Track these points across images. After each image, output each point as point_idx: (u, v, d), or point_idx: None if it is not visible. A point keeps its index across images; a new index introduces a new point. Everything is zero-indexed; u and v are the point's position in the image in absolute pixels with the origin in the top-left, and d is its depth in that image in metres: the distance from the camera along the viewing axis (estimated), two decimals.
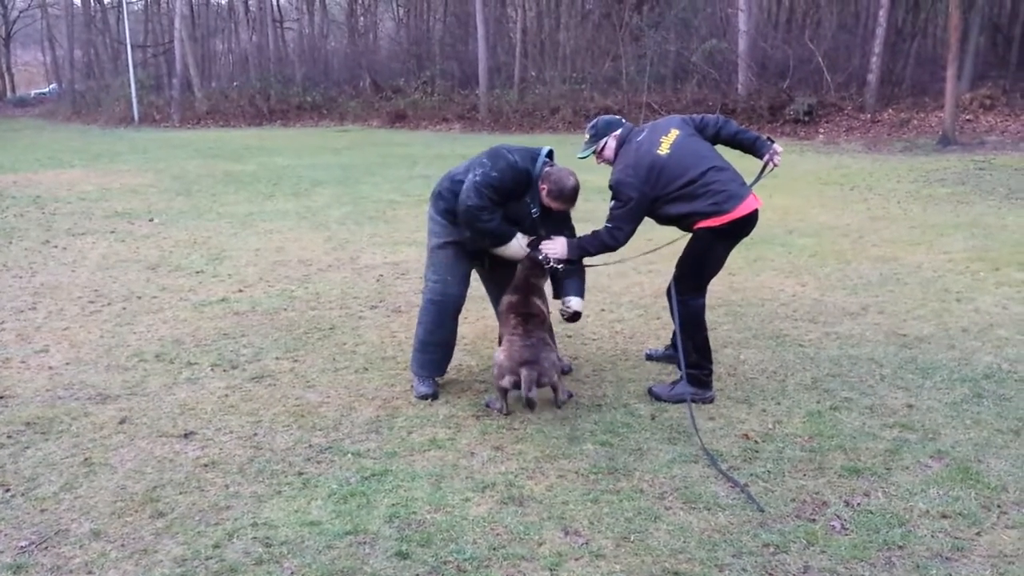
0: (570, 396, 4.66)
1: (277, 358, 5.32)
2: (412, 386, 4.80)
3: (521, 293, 4.64)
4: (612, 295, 6.74)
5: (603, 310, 6.36)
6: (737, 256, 8.00)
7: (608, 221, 4.54)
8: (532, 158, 4.59)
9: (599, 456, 3.94)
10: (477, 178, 4.43)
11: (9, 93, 46.23)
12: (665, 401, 4.58)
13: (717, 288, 6.85)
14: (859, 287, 6.90)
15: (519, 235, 4.61)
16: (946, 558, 3.08)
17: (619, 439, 4.11)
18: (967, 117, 20.19)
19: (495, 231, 4.50)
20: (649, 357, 5.31)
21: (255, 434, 4.22)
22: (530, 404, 4.29)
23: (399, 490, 3.62)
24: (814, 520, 3.36)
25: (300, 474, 3.79)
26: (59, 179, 14.37)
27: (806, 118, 21.81)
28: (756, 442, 4.06)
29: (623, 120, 4.84)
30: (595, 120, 4.88)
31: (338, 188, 13.10)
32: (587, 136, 4.79)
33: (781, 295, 6.70)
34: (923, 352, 5.31)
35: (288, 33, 41.88)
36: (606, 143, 4.74)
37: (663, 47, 26.30)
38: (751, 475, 3.73)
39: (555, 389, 4.49)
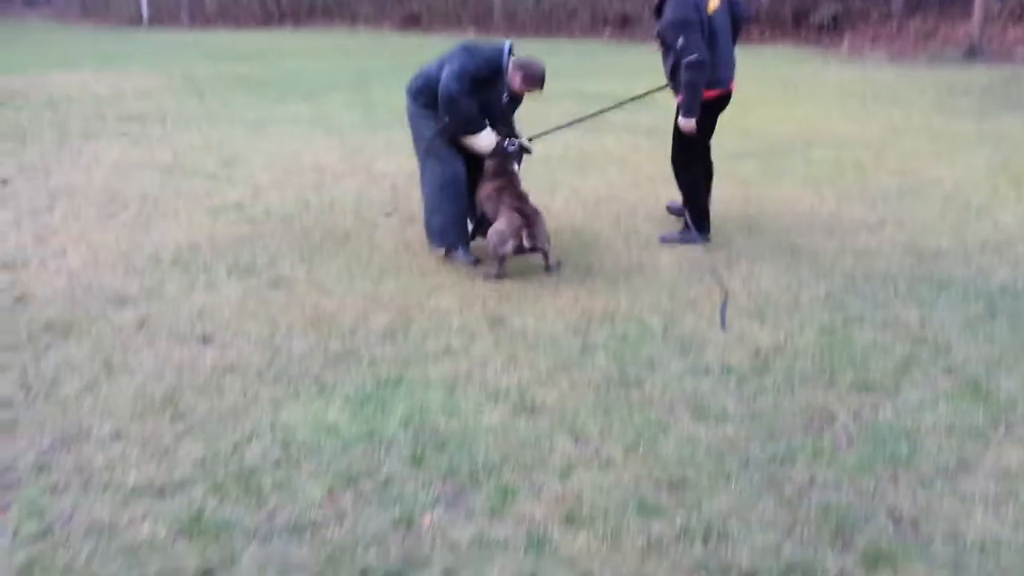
0: (559, 264, 5.31)
1: (292, 265, 5.35)
2: (454, 260, 5.43)
3: (504, 176, 5.30)
4: (628, 206, 6.70)
5: (618, 220, 6.32)
6: (754, 167, 7.92)
7: (684, 55, 5.21)
8: (499, 51, 5.23)
9: (610, 367, 3.98)
10: (455, 68, 5.06)
11: None
12: (676, 244, 5.69)
13: (732, 200, 6.80)
14: (877, 200, 6.83)
15: (490, 131, 5.28)
16: (951, 474, 3.13)
17: (631, 350, 4.15)
18: (996, 29, 19.62)
19: (472, 117, 5.17)
20: (669, 209, 6.26)
21: (272, 339, 4.27)
22: (546, 256, 5.20)
23: (414, 397, 3.69)
24: (821, 433, 3.41)
25: (317, 379, 3.85)
26: (71, 81, 14.22)
27: (831, 26, 21.23)
28: (767, 355, 4.09)
29: None
30: None
31: (351, 93, 12.93)
32: None
33: (798, 207, 6.65)
34: (939, 267, 5.29)
35: None
36: None
37: None
38: (760, 388, 3.77)
39: (546, 255, 5.22)
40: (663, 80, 5.66)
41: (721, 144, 8.87)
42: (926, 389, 3.76)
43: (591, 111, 6.75)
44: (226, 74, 15.26)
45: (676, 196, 6.09)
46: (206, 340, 4.26)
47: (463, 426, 3.45)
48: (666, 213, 6.27)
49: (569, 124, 6.62)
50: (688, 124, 5.47)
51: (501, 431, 3.42)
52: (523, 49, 5.60)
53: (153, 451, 3.27)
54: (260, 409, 3.59)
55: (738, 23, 5.65)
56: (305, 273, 5.21)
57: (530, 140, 5.65)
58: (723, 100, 5.61)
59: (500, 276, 5.15)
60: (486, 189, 5.33)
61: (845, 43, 20.41)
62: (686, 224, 5.78)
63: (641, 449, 3.29)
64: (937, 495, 3.01)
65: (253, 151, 8.69)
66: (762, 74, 15.09)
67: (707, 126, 5.62)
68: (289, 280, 5.09)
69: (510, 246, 5.05)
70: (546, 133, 6.12)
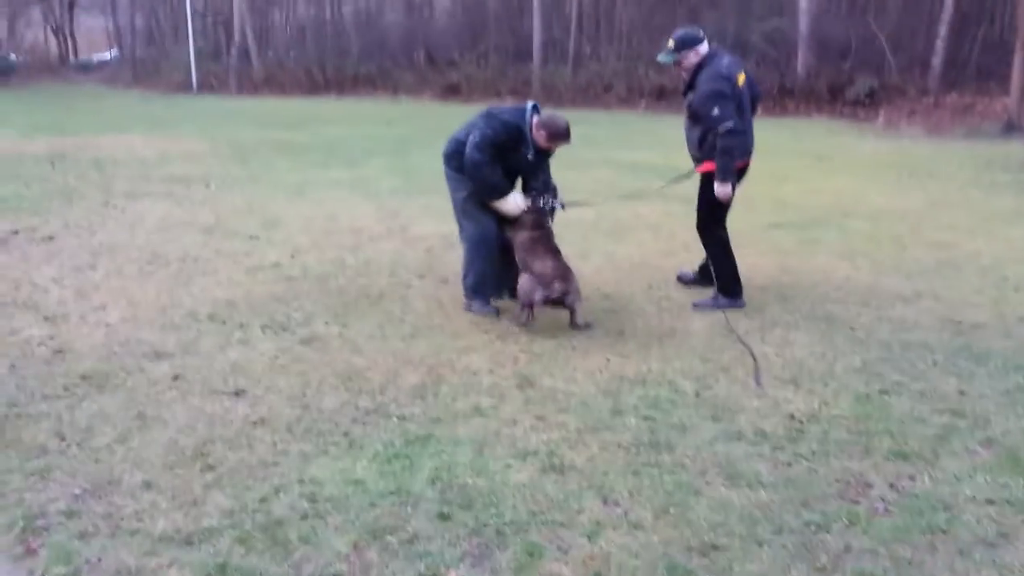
0: (588, 325, 5.36)
1: (326, 323, 5.40)
2: (475, 312, 5.62)
3: (540, 230, 5.46)
4: (662, 272, 6.70)
5: (650, 287, 6.33)
6: (790, 237, 7.91)
7: (719, 124, 5.39)
8: (520, 113, 5.44)
9: (641, 430, 3.95)
10: (476, 138, 5.30)
11: (72, 58, 47.00)
12: (711, 308, 5.72)
13: (767, 269, 6.79)
14: (914, 272, 6.77)
15: (515, 193, 5.49)
16: (990, 544, 3.05)
17: (662, 414, 4.12)
18: None
19: (496, 184, 5.39)
20: (680, 279, 6.32)
21: (303, 394, 4.30)
22: (573, 313, 5.29)
23: (442, 454, 3.68)
24: (857, 501, 3.34)
25: (346, 435, 3.85)
26: (118, 143, 14.66)
27: (867, 100, 21.33)
28: (802, 422, 4.04)
29: (702, 35, 5.65)
30: (681, 32, 5.68)
31: (390, 159, 13.19)
32: (670, 45, 5.59)
33: (834, 278, 6.61)
34: (977, 340, 5.21)
35: (345, 6, 41.98)
36: (687, 56, 5.58)
37: (721, 25, 25.87)
38: (795, 454, 3.72)
39: (573, 311, 5.31)
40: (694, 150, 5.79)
41: (757, 214, 8.93)
42: (965, 460, 3.68)
43: (624, 180, 6.84)
44: (270, 140, 15.64)
45: (693, 264, 6.39)
46: (238, 394, 4.30)
47: (491, 484, 3.43)
48: (696, 279, 6.26)
49: (605, 201, 6.83)
50: (725, 190, 5.54)
51: (529, 490, 3.39)
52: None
53: (182, 501, 3.29)
54: (289, 463, 3.60)
55: (755, 99, 5.89)
56: (338, 331, 5.25)
57: (556, 203, 5.72)
58: (745, 170, 5.81)
59: (525, 323, 5.34)
60: (520, 237, 5.47)
61: (881, 117, 20.49)
62: (716, 289, 5.87)
63: (672, 512, 3.24)
64: (976, 566, 2.92)
65: (293, 214, 8.85)
66: (798, 146, 15.17)
67: (733, 194, 5.72)
68: (322, 337, 5.14)
69: (539, 295, 5.20)
70: (580, 204, 6.21)
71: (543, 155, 5.58)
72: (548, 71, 28.15)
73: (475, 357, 4.85)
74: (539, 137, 5.41)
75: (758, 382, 4.54)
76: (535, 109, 5.48)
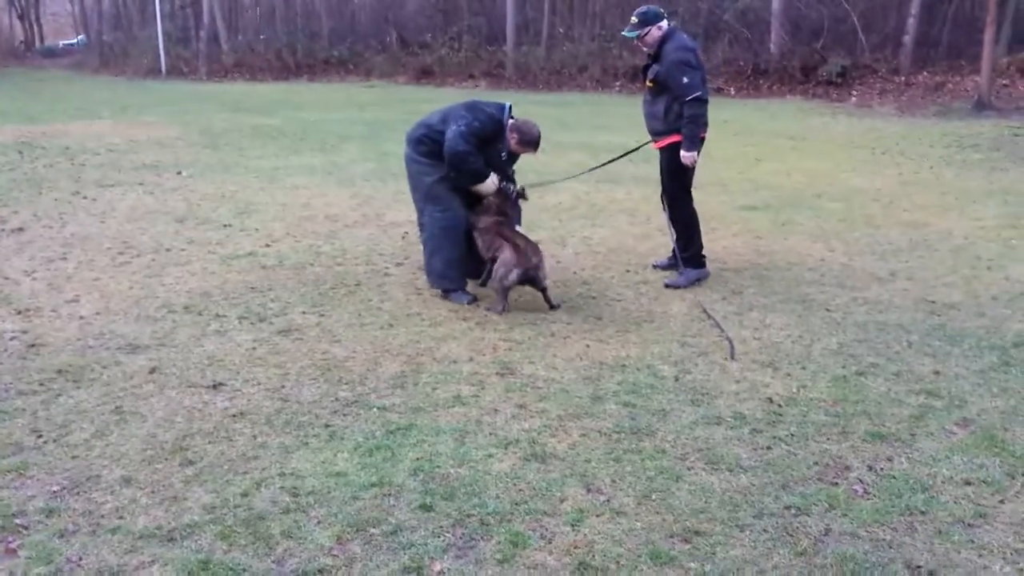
0: (557, 306, 5.46)
1: (304, 312, 5.38)
2: (451, 300, 5.60)
3: (503, 215, 5.54)
4: (638, 256, 6.72)
5: (628, 271, 6.35)
6: (765, 219, 7.95)
7: (690, 92, 5.57)
8: (500, 109, 5.52)
9: (622, 416, 3.96)
10: (462, 128, 5.31)
11: (38, 43, 46.21)
12: (683, 287, 5.86)
13: (743, 251, 6.83)
14: (888, 253, 6.84)
15: (493, 175, 5.50)
16: (968, 524, 3.09)
17: (642, 400, 4.13)
18: (1004, 82, 19.75)
19: (479, 171, 5.42)
20: (656, 267, 6.39)
21: (282, 386, 4.28)
22: (546, 291, 5.38)
23: (423, 444, 3.67)
24: (836, 484, 3.38)
25: (327, 426, 3.84)
26: (88, 130, 14.45)
27: (839, 80, 21.42)
28: (780, 405, 4.07)
29: (664, 13, 5.84)
30: (644, 8, 5.83)
31: (364, 144, 13.11)
32: (634, 20, 5.78)
33: (808, 259, 6.66)
34: (952, 319, 5.27)
35: None
36: (650, 31, 5.77)
37: (694, 5, 25.84)
38: (774, 437, 3.75)
39: (545, 290, 5.41)
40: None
41: (731, 196, 8.96)
42: (941, 440, 3.73)
43: (599, 163, 6.90)
44: (242, 125, 15.48)
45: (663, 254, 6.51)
46: (216, 387, 4.27)
47: (473, 474, 3.43)
48: (672, 262, 6.29)
49: (563, 179, 6.97)
50: (692, 156, 5.71)
51: (511, 479, 3.39)
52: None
53: (162, 497, 3.26)
54: (270, 456, 3.58)
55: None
56: (316, 321, 5.23)
57: (523, 190, 5.81)
58: (702, 143, 5.93)
59: (503, 310, 5.35)
60: (484, 221, 5.55)
61: (853, 96, 20.61)
62: (679, 264, 6.08)
63: (654, 499, 3.26)
64: (955, 546, 2.96)
65: (267, 201, 8.78)
66: (770, 127, 15.22)
67: (695, 166, 5.89)
68: (300, 327, 5.11)
69: (515, 275, 5.26)
70: (542, 184, 6.29)
71: (511, 157, 5.70)
72: (522, 53, 28.02)
73: (454, 345, 4.85)
74: (511, 140, 5.53)
75: (732, 356, 4.65)
76: (509, 111, 5.59)
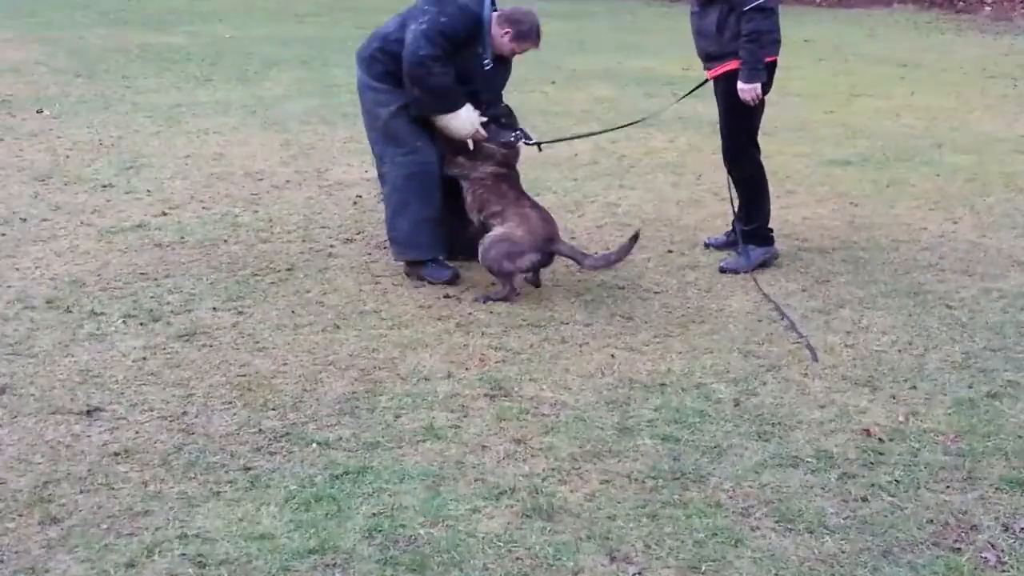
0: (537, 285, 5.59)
1: (215, 309, 5.38)
2: (424, 278, 5.67)
3: (509, 167, 5.62)
4: (684, 230, 6.73)
5: (670, 251, 6.35)
6: (862, 179, 7.96)
7: (747, 1, 5.54)
8: (478, 1, 5.48)
9: (660, 455, 3.97)
10: (424, 26, 5.30)
11: None
12: (744, 272, 5.86)
13: (831, 223, 6.84)
14: None
15: (469, 107, 5.48)
16: None
17: (688, 432, 4.15)
18: None
19: (448, 89, 5.41)
20: (709, 246, 6.42)
21: (184, 413, 4.28)
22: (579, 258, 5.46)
23: (382, 495, 3.68)
24: (959, 550, 3.39)
25: (247, 469, 3.84)
26: None
27: None
28: (881, 440, 4.08)
29: None
30: None
31: (301, 71, 13.09)
32: None
33: (923, 235, 6.67)
34: None
35: None
36: None
37: None
38: (872, 485, 3.76)
39: (577, 258, 5.46)
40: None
41: (815, 146, 8.95)
42: None
43: (631, 100, 6.86)
44: (128, 43, 15.44)
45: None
46: (92, 413, 4.27)
47: (452, 536, 3.44)
48: (731, 239, 6.29)
49: (578, 136, 6.98)
50: (754, 90, 5.69)
51: (506, 543, 3.40)
52: (539, 13, 5.70)
53: (14, 568, 3.27)
54: (165, 511, 3.58)
55: None
56: (232, 321, 5.23)
57: (524, 133, 5.84)
58: (774, 68, 5.93)
59: (509, 298, 5.39)
60: (480, 170, 5.55)
61: (987, 6, 20.58)
62: (739, 241, 6.07)
63: (704, 571, 3.28)
64: None
65: (164, 151, 8.78)
66: (871, 48, 15.21)
67: (763, 103, 5.90)
68: (210, 330, 5.12)
69: (527, 260, 5.26)
70: (558, 141, 6.26)
71: (501, 65, 5.70)
72: None
73: (426, 355, 4.86)
74: (501, 39, 5.53)
75: (814, 357, 4.69)
76: (492, 2, 5.60)
